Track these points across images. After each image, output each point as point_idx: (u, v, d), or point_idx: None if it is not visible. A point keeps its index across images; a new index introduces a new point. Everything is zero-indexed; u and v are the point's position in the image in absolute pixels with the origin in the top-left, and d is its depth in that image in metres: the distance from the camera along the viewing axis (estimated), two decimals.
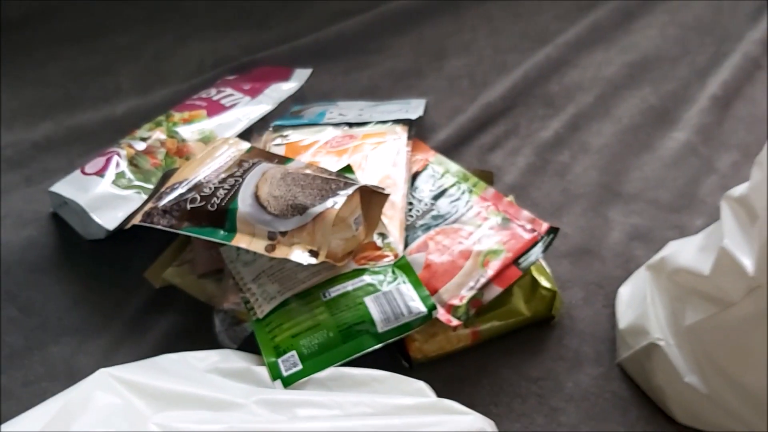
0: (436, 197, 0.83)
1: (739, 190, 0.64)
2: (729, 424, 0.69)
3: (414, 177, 0.86)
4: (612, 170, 0.96)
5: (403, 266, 0.75)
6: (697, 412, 0.71)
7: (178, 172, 0.82)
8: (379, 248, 0.76)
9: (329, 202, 0.70)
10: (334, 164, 0.83)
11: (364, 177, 0.82)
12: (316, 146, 0.89)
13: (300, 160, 0.81)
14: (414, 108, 0.97)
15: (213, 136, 0.92)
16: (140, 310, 0.84)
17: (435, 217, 0.81)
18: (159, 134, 0.92)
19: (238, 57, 1.15)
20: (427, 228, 0.81)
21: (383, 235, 0.77)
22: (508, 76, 1.08)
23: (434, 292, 0.75)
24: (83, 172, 0.89)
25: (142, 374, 0.63)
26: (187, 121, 0.95)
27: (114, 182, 0.87)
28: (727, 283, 0.62)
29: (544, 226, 0.80)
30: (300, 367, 0.68)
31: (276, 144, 0.90)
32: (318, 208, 0.70)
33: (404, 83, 1.10)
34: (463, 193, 0.83)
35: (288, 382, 0.67)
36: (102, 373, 0.62)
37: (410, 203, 0.83)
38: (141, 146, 0.91)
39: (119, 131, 0.96)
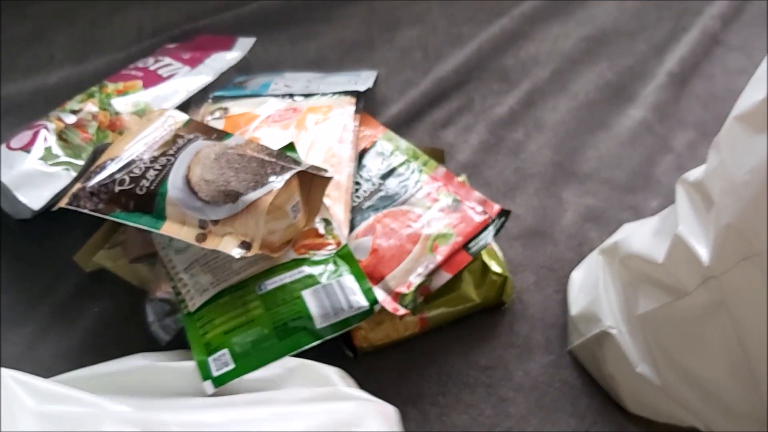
0: (385, 176, 0.79)
1: (695, 174, 0.61)
2: (681, 415, 0.68)
3: (361, 154, 0.82)
4: (567, 149, 0.93)
5: (345, 255, 0.71)
6: (648, 402, 0.70)
7: (111, 148, 0.77)
8: (322, 235, 0.72)
9: (264, 189, 0.66)
10: (277, 139, 0.79)
11: (308, 155, 0.78)
12: (258, 120, 0.84)
13: (239, 137, 0.76)
14: (363, 80, 0.93)
15: (148, 108, 0.87)
16: (69, 296, 0.80)
17: (383, 198, 0.78)
18: (91, 106, 0.87)
19: (179, 24, 1.09)
20: (375, 209, 0.77)
21: (326, 221, 0.73)
22: (463, 49, 1.04)
23: (381, 278, 0.72)
24: (8, 147, 0.84)
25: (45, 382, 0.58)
26: (122, 93, 0.89)
27: (41, 158, 0.82)
28: (680, 271, 0.60)
29: (496, 208, 0.77)
30: (232, 366, 0.64)
31: (215, 117, 0.85)
32: (251, 196, 0.65)
33: (354, 55, 1.05)
34: (412, 172, 0.80)
35: (219, 382, 0.63)
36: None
37: (357, 183, 0.79)
38: (71, 119, 0.85)
39: (52, 102, 0.90)
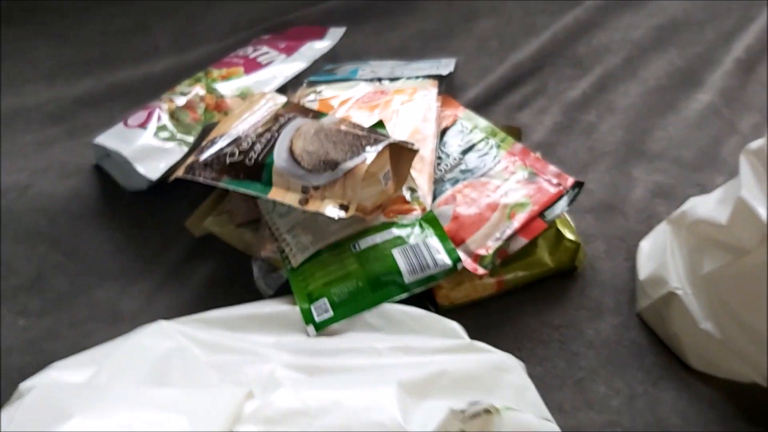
0: (465, 152, 0.86)
1: (757, 143, 0.67)
2: (741, 369, 0.72)
3: (443, 132, 0.89)
4: (637, 130, 0.99)
5: (430, 220, 0.78)
6: (711, 358, 0.74)
7: (219, 126, 0.85)
8: (408, 202, 0.79)
9: (359, 158, 0.73)
10: (365, 120, 0.86)
11: (395, 131, 0.85)
12: (350, 102, 0.91)
13: (333, 115, 0.84)
14: (444, 66, 1.00)
15: (250, 92, 0.96)
16: (181, 258, 0.87)
17: (463, 171, 0.84)
18: (198, 90, 0.96)
19: (270, 18, 1.18)
20: (456, 181, 0.84)
21: (412, 190, 0.80)
22: (537, 38, 1.11)
23: (461, 242, 0.78)
24: (126, 125, 0.93)
25: (194, 326, 0.67)
26: (225, 78, 0.98)
27: (156, 134, 0.91)
28: (742, 231, 0.65)
29: (570, 180, 0.82)
30: (331, 313, 0.71)
31: (310, 100, 0.93)
32: (349, 164, 0.73)
33: (434, 44, 1.13)
34: (491, 148, 0.86)
35: (320, 327, 0.71)
36: (159, 323, 0.66)
37: (439, 157, 0.86)
38: (181, 101, 0.94)
39: (158, 88, 0.99)
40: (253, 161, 0.76)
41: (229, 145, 0.79)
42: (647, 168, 0.94)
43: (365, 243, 0.75)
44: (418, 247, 0.75)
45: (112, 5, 1.23)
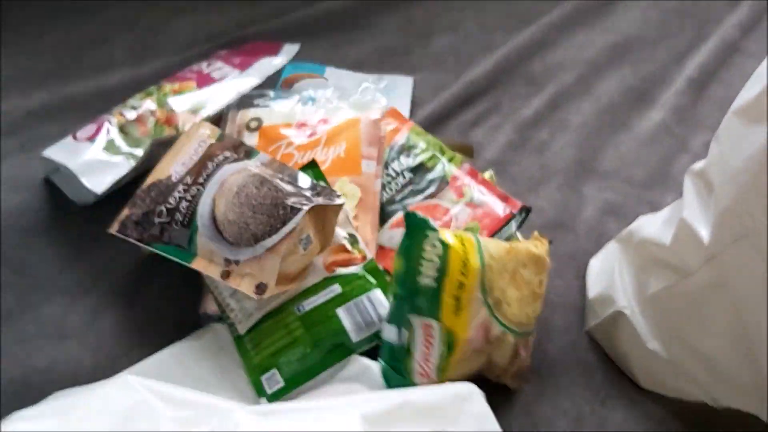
0: (414, 170, 0.86)
1: (700, 164, 0.67)
2: (688, 388, 0.73)
3: (392, 147, 0.88)
4: (589, 148, 0.99)
5: (372, 269, 0.76)
6: (658, 377, 0.75)
7: (157, 168, 0.82)
8: (348, 251, 0.77)
9: (278, 236, 0.71)
10: (306, 156, 0.85)
11: (333, 169, 0.83)
12: (290, 131, 0.88)
13: (264, 155, 0.80)
14: (401, 83, 1.01)
15: (201, 106, 0.95)
16: (130, 273, 0.86)
17: (413, 192, 0.84)
18: (150, 104, 0.95)
19: (229, 31, 1.16)
20: (406, 203, 0.83)
21: (352, 237, 0.78)
22: (493, 55, 1.11)
23: None
24: (75, 138, 0.91)
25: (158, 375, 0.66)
26: (177, 92, 0.97)
27: (104, 148, 0.90)
28: (685, 252, 0.66)
29: (518, 204, 0.83)
30: (282, 384, 0.70)
31: (251, 129, 0.89)
32: (267, 242, 0.71)
33: (392, 60, 1.13)
34: (441, 168, 0.86)
35: (273, 399, 0.70)
36: (125, 377, 0.65)
37: (389, 176, 0.85)
38: (132, 115, 0.93)
39: (112, 101, 0.98)
40: (179, 225, 0.75)
41: (160, 197, 0.77)
42: (598, 186, 0.95)
43: (309, 304, 0.73)
44: (361, 303, 0.73)
45: (70, 17, 1.21)
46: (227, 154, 0.79)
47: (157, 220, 0.76)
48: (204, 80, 1.00)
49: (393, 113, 0.92)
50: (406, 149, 0.88)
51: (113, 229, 0.78)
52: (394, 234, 0.81)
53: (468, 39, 1.16)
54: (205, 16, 1.21)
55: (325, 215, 0.75)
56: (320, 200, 0.74)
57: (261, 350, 0.72)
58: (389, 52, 1.14)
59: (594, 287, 0.82)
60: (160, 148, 0.91)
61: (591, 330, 0.81)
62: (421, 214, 0.70)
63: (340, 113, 0.91)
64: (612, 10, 1.19)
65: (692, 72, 1.08)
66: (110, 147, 0.90)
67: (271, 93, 0.97)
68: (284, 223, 0.71)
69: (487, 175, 0.88)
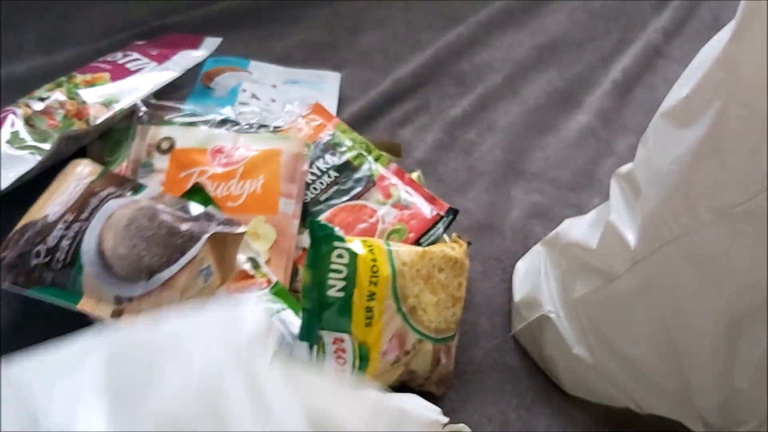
0: (340, 169, 0.83)
1: (626, 167, 0.67)
2: (614, 394, 0.72)
3: (317, 145, 0.85)
4: (516, 149, 0.99)
5: (279, 292, 0.72)
6: (584, 382, 0.74)
7: (32, 209, 0.75)
8: (252, 276, 0.73)
9: (176, 267, 0.66)
10: (220, 189, 0.79)
11: (249, 203, 0.78)
12: (205, 159, 0.81)
13: (153, 188, 0.75)
14: (328, 79, 0.98)
15: (115, 99, 0.90)
16: None
17: (339, 192, 0.81)
18: (59, 95, 0.89)
19: (147, 21, 1.12)
20: (331, 203, 0.81)
21: (254, 261, 0.74)
22: (421, 53, 1.09)
23: None
24: None
25: None
26: (90, 84, 0.92)
27: (8, 141, 0.84)
28: (611, 256, 0.65)
29: (445, 206, 0.81)
30: None
31: (162, 150, 0.82)
32: (164, 275, 0.66)
33: (318, 55, 1.10)
34: (367, 166, 0.83)
35: None
36: None
37: (314, 174, 0.82)
38: (39, 106, 0.87)
39: (20, 91, 0.92)
40: (60, 264, 0.68)
41: (37, 238, 0.70)
42: (525, 188, 0.94)
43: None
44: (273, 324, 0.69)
45: None
46: (111, 189, 0.74)
47: (34, 261, 0.69)
48: (119, 72, 0.94)
49: (318, 109, 0.89)
50: (332, 147, 0.85)
51: None
52: None
53: (396, 36, 1.14)
54: (121, 3, 1.16)
55: (224, 244, 0.70)
56: (220, 227, 0.69)
57: None
58: (315, 46, 1.11)
59: (520, 290, 0.81)
60: (69, 143, 0.86)
61: (517, 334, 0.80)
62: (325, 222, 0.69)
63: (259, 138, 0.84)
64: (540, 12, 1.19)
65: (617, 75, 1.08)
66: (14, 140, 0.84)
67: (186, 107, 0.90)
68: (183, 253, 0.66)
69: (415, 175, 0.86)
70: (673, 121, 0.59)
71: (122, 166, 0.85)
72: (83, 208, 0.72)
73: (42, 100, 0.88)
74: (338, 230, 0.67)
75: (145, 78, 0.93)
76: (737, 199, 0.53)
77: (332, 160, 0.83)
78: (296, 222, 0.78)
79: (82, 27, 1.13)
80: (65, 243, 0.69)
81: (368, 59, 1.10)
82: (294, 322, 0.69)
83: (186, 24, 1.11)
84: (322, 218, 0.79)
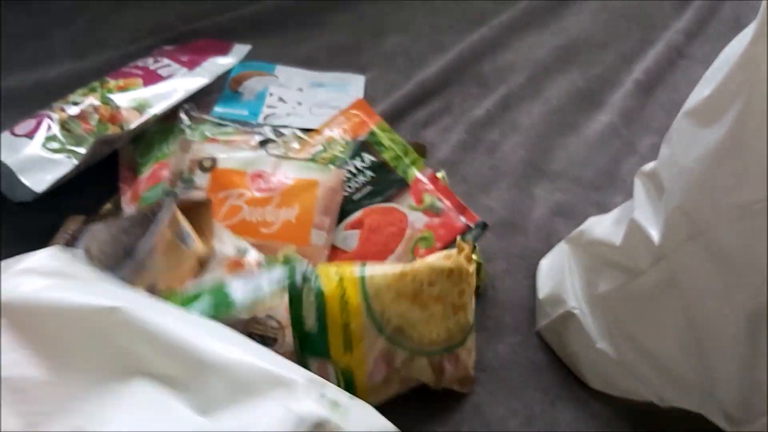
0: (376, 170, 0.84)
1: (649, 165, 0.68)
2: (637, 388, 0.73)
3: (355, 143, 0.87)
4: (539, 149, 1.00)
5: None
6: (607, 377, 0.75)
7: None
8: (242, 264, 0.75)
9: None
10: (255, 214, 0.80)
11: (282, 234, 0.80)
12: (244, 183, 0.82)
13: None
14: (353, 82, 0.99)
15: (148, 104, 0.92)
16: None
17: (372, 194, 0.83)
18: (93, 100, 0.91)
19: (175, 25, 1.14)
20: (364, 203, 0.82)
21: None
22: (444, 56, 1.11)
23: None
24: (13, 134, 0.88)
25: None
26: (122, 89, 0.94)
27: (44, 145, 0.86)
28: (636, 252, 0.66)
29: (476, 218, 0.82)
30: None
31: (203, 168, 0.83)
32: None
33: (342, 58, 1.12)
34: (402, 170, 0.85)
35: None
36: None
37: (350, 172, 0.84)
38: (74, 111, 0.90)
39: (52, 95, 0.95)
40: None
41: None
42: (548, 187, 0.96)
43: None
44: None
45: (8, 8, 1.17)
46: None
47: None
48: (151, 77, 0.97)
49: (360, 105, 0.90)
50: (370, 146, 0.86)
51: None
52: (348, 235, 0.80)
53: (419, 39, 1.15)
54: (149, 9, 1.19)
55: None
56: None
57: None
58: (340, 50, 1.13)
59: (544, 287, 0.82)
60: (103, 146, 0.89)
61: (541, 330, 0.81)
62: (294, 259, 0.73)
63: (299, 166, 0.85)
64: (562, 13, 1.20)
65: (639, 75, 1.09)
66: (51, 143, 0.87)
67: (230, 127, 0.94)
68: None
69: (440, 175, 0.87)
70: (696, 121, 0.60)
71: (153, 168, 0.87)
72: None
73: (76, 104, 0.91)
74: (309, 270, 0.70)
75: (177, 83, 0.96)
76: (758, 196, 0.55)
77: (370, 159, 0.85)
78: (326, 253, 0.79)
79: (110, 32, 1.15)
80: None
81: (392, 62, 1.12)
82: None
83: (213, 29, 1.13)
84: (353, 218, 0.81)
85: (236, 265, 0.73)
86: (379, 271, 0.71)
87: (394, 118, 1.02)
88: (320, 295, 0.69)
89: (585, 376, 0.77)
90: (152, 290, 0.67)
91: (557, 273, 0.81)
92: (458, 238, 0.78)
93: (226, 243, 0.75)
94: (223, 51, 1.05)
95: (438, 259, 0.73)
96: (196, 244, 0.72)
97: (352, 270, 0.71)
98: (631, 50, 1.14)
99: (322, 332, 0.69)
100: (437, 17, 1.19)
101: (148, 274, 0.68)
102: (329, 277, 0.70)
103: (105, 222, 0.73)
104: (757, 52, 0.54)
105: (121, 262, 0.68)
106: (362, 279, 0.70)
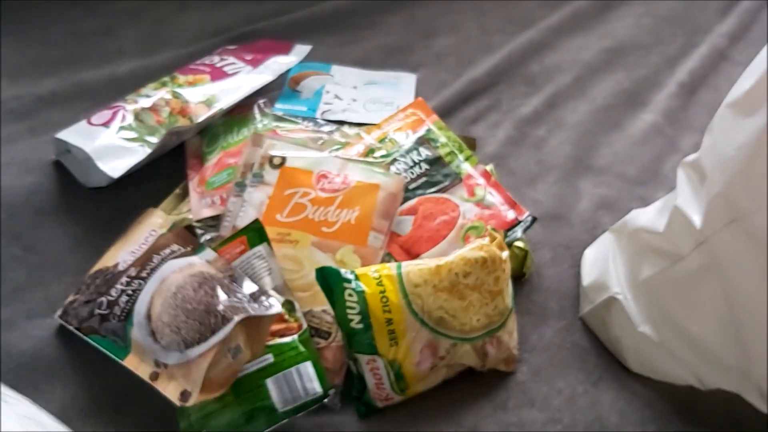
0: (432, 163, 0.89)
1: (692, 156, 0.71)
2: (677, 371, 0.77)
3: (413, 139, 0.92)
4: (584, 145, 1.04)
5: (304, 341, 0.76)
6: (648, 360, 0.79)
7: (107, 254, 0.84)
8: (285, 320, 0.77)
9: (206, 345, 0.70)
10: (318, 213, 0.84)
11: (342, 234, 0.83)
12: (310, 182, 0.86)
13: (210, 252, 0.79)
14: (405, 80, 1.04)
15: (215, 99, 0.98)
16: None
17: (427, 184, 0.87)
18: (164, 93, 0.97)
19: (236, 26, 1.20)
20: (419, 192, 0.87)
21: (290, 304, 0.78)
22: (493, 56, 1.16)
23: (416, 255, 0.82)
24: (89, 123, 0.94)
25: None
26: (191, 84, 1.00)
27: (118, 133, 0.92)
28: (678, 238, 0.70)
29: (525, 213, 0.87)
30: None
31: (273, 165, 0.87)
32: (195, 351, 0.71)
33: (394, 58, 1.17)
34: (456, 165, 0.89)
35: None
36: None
37: (407, 164, 0.89)
38: (146, 103, 0.96)
39: (121, 90, 1.01)
40: (116, 319, 0.77)
41: (102, 286, 0.80)
42: (593, 181, 0.99)
43: (241, 372, 0.73)
44: (290, 375, 0.73)
45: (78, 7, 1.24)
46: (174, 248, 0.81)
47: (97, 311, 0.78)
48: (217, 74, 1.03)
49: (419, 104, 0.96)
50: (427, 141, 0.91)
51: (58, 313, 0.80)
52: (402, 220, 0.84)
53: (468, 40, 1.20)
54: (211, 11, 1.25)
55: (259, 323, 0.74)
56: (253, 311, 0.73)
57: (195, 410, 0.72)
58: (392, 50, 1.18)
59: (588, 275, 0.85)
60: (173, 137, 0.94)
61: (585, 316, 0.85)
62: (333, 266, 0.76)
63: (363, 170, 0.88)
64: (608, 17, 1.24)
65: (683, 77, 1.13)
66: (125, 132, 0.93)
67: (290, 122, 0.99)
68: (213, 333, 0.70)
69: (489, 168, 0.92)
70: (738, 111, 0.64)
71: (219, 156, 0.93)
72: (146, 264, 0.79)
73: (148, 97, 0.97)
74: (345, 272, 0.74)
75: (242, 80, 1.02)
76: None
77: (426, 153, 0.90)
78: (381, 254, 0.83)
79: (176, 32, 1.21)
80: (124, 299, 0.77)
81: (442, 61, 1.16)
82: (311, 374, 0.74)
83: (273, 30, 1.19)
84: (408, 205, 0.86)
85: (279, 319, 0.77)
86: (414, 267, 0.75)
87: (444, 114, 1.06)
88: (362, 295, 0.73)
89: (627, 359, 0.80)
90: (185, 397, 0.70)
91: (601, 261, 0.84)
92: (488, 227, 0.82)
93: None
94: (284, 51, 1.10)
95: (471, 250, 0.77)
96: (242, 356, 0.73)
97: (389, 268, 0.75)
98: (675, 53, 1.18)
99: (367, 330, 0.73)
100: (486, 20, 1.23)
101: (187, 377, 0.71)
102: (368, 276, 0.75)
103: (178, 274, 0.76)
104: None
105: (170, 346, 0.72)
106: (399, 276, 0.74)
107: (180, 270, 0.77)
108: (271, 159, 0.88)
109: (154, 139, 0.93)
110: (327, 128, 0.99)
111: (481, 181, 0.89)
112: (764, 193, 0.60)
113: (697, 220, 0.67)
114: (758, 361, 0.68)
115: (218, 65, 1.05)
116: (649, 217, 0.77)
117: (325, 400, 0.74)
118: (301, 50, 1.11)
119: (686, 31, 1.21)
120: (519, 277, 0.87)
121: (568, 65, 1.15)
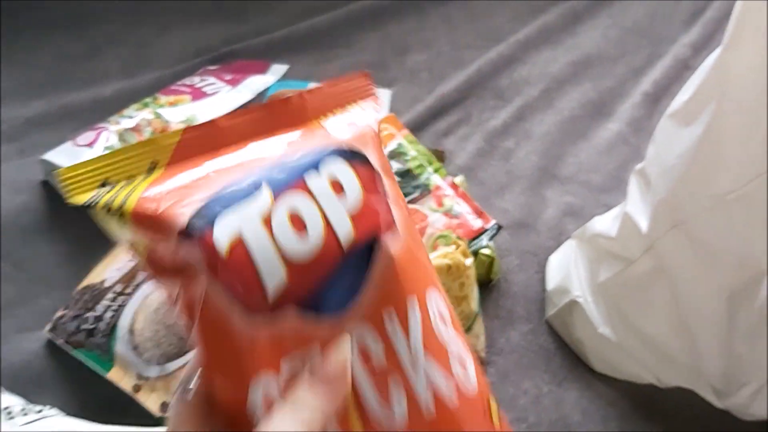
0: (402, 175, 0.93)
1: (641, 164, 0.75)
2: (636, 370, 0.80)
3: (386, 153, 0.95)
4: (551, 155, 1.08)
5: None
6: (610, 361, 0.82)
7: (94, 271, 0.87)
8: None
9: (182, 360, 0.75)
10: None
11: None
12: None
13: None
14: (379, 103, 1.08)
15: (194, 119, 1.02)
16: None
17: None
18: (146, 114, 1.01)
19: (217, 47, 1.24)
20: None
21: None
22: (464, 71, 1.20)
23: None
24: (75, 144, 0.98)
25: None
26: (172, 104, 1.04)
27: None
28: (629, 242, 0.73)
29: (491, 221, 0.91)
30: None
31: None
32: (173, 365, 0.75)
33: (370, 75, 1.20)
34: (426, 177, 0.93)
35: None
36: None
37: None
38: (129, 123, 1.00)
39: (107, 110, 1.04)
40: (101, 334, 0.80)
41: (90, 301, 0.82)
42: (559, 190, 1.03)
43: None
44: None
45: (64, 31, 1.28)
46: None
47: (83, 326, 0.81)
48: (197, 94, 1.07)
49: (390, 120, 1.00)
50: (398, 155, 0.95)
51: (47, 328, 0.83)
52: None
53: (440, 56, 1.24)
54: (192, 32, 1.29)
55: None
56: None
57: None
58: (367, 67, 1.21)
59: (552, 280, 0.89)
60: None
61: (550, 319, 0.88)
62: None
63: None
64: (575, 30, 1.28)
65: (647, 87, 1.17)
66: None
67: None
68: (189, 349, 0.74)
69: (459, 179, 0.95)
70: (677, 121, 0.67)
71: None
72: (130, 282, 0.82)
73: (131, 118, 1.01)
74: None
75: (221, 99, 1.06)
76: (731, 187, 0.61)
77: (396, 166, 0.94)
78: None
79: (158, 54, 1.25)
80: (109, 314, 0.80)
81: (415, 77, 1.20)
82: None
83: (251, 50, 1.23)
84: None
85: None
86: None
87: (416, 128, 1.10)
88: None
89: (590, 360, 0.84)
90: (164, 408, 0.73)
91: (564, 266, 0.88)
92: (454, 236, 0.85)
93: None
94: (262, 70, 1.14)
95: (436, 258, 0.80)
96: None
97: None
98: (640, 64, 1.22)
99: None
100: (457, 36, 1.27)
101: (166, 388, 0.74)
102: None
103: (159, 298, 0.79)
104: (728, 58, 0.61)
105: (151, 360, 0.76)
106: None
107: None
108: None
109: None
110: None
111: (450, 191, 0.92)
112: (702, 198, 0.64)
113: (644, 225, 0.70)
114: (706, 358, 0.71)
115: (198, 86, 1.09)
116: (605, 223, 0.81)
117: None
118: (278, 69, 1.15)
119: (651, 42, 1.25)
120: (486, 283, 0.91)
121: (536, 78, 1.19)
